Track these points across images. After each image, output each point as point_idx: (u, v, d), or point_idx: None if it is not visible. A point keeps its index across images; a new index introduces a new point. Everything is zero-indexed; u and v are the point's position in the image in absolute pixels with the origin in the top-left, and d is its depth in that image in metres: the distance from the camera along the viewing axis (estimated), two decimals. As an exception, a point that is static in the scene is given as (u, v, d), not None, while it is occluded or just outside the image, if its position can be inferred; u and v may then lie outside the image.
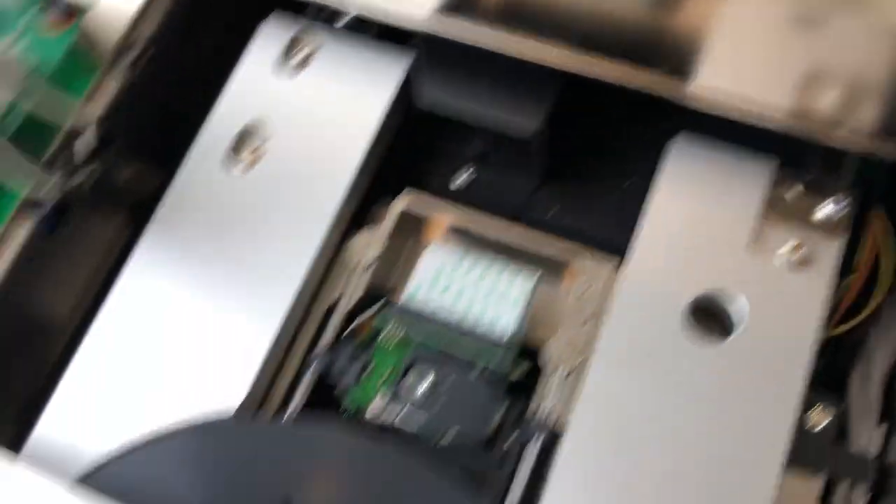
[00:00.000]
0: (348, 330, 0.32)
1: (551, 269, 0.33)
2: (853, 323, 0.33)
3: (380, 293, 0.33)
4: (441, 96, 0.33)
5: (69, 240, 0.35)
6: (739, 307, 0.30)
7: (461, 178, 0.36)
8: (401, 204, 0.34)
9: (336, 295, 0.33)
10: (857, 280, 0.34)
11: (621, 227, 0.33)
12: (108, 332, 0.32)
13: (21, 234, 0.32)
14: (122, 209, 0.37)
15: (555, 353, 0.31)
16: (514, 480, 0.29)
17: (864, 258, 0.33)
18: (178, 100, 0.38)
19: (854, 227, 0.32)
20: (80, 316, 0.36)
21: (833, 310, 0.33)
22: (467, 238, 0.33)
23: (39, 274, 0.34)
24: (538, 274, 0.32)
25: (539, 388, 0.31)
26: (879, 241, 0.33)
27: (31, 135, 0.29)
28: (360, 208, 0.34)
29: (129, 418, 0.30)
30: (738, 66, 0.29)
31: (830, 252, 0.30)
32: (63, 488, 0.26)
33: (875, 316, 0.33)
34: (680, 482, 0.28)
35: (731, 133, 0.32)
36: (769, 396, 0.29)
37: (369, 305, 0.33)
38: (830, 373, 0.33)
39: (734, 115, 0.30)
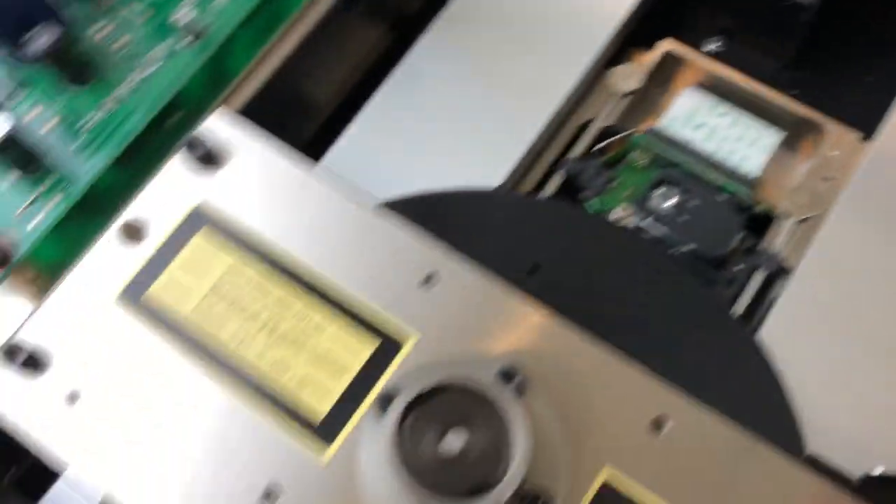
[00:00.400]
0: (600, 145, 0.35)
1: (796, 132, 0.35)
2: None
3: (627, 127, 0.36)
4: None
5: (347, 28, 0.38)
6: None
7: (709, 47, 0.38)
8: (667, 44, 0.36)
9: (591, 115, 0.35)
10: None
11: (863, 117, 0.35)
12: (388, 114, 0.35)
13: (324, 4, 0.36)
14: (386, 21, 0.41)
15: (793, 201, 0.33)
16: (737, 301, 0.32)
17: None
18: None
19: None
20: (336, 102, 0.40)
21: None
22: (720, 89, 0.36)
23: (321, 50, 0.37)
24: (786, 133, 0.34)
25: (772, 229, 0.33)
26: None
27: None
28: (619, 49, 0.37)
29: (400, 178, 0.33)
30: None
31: None
32: (365, 210, 0.29)
33: None
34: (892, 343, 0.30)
35: None
36: None
37: (616, 134, 0.36)
38: None
39: None
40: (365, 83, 0.38)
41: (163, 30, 0.33)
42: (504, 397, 0.23)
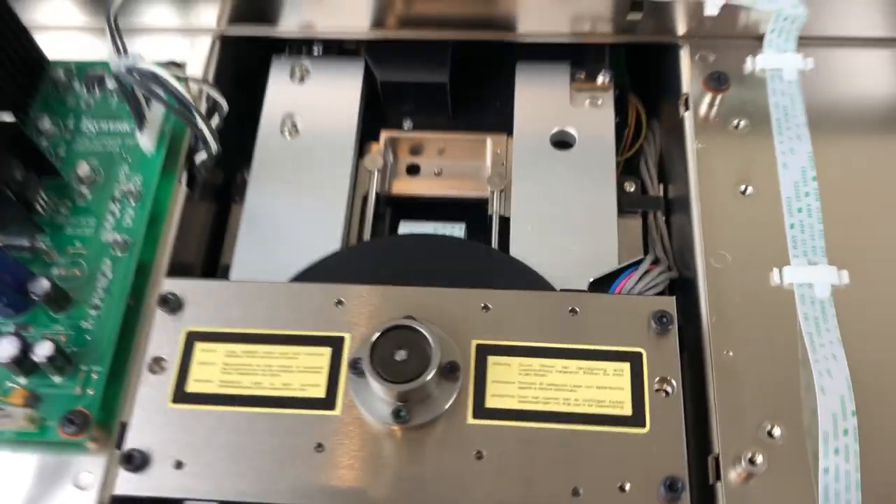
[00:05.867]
0: (379, 202, 0.58)
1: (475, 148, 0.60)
2: (633, 150, 0.63)
3: (387, 190, 0.59)
4: (391, 70, 0.60)
5: (193, 206, 0.57)
6: (574, 133, 0.58)
7: (406, 125, 0.62)
8: (386, 135, 0.60)
9: (364, 190, 0.58)
10: (629, 130, 0.64)
11: (503, 126, 0.61)
12: (251, 237, 0.55)
13: (181, 195, 0.55)
14: (208, 191, 0.61)
15: (491, 182, 0.58)
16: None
17: (631, 118, 0.64)
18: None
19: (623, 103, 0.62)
20: (203, 256, 0.59)
21: (624, 144, 0.63)
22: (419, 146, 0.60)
23: (188, 225, 0.56)
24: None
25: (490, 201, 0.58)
26: (636, 108, 0.64)
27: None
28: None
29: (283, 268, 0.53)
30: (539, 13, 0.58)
31: (607, 98, 0.60)
32: (281, 285, 0.49)
33: (644, 143, 0.63)
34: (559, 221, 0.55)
35: (544, 56, 0.61)
36: (600, 175, 0.57)
37: (383, 195, 0.59)
38: (632, 169, 0.62)
39: (542, 40, 0.59)
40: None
41: (103, 249, 0.51)
42: (422, 327, 0.44)
